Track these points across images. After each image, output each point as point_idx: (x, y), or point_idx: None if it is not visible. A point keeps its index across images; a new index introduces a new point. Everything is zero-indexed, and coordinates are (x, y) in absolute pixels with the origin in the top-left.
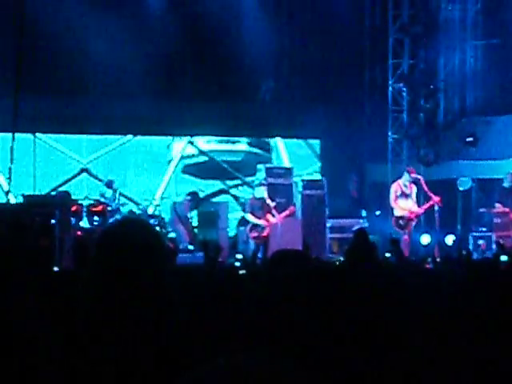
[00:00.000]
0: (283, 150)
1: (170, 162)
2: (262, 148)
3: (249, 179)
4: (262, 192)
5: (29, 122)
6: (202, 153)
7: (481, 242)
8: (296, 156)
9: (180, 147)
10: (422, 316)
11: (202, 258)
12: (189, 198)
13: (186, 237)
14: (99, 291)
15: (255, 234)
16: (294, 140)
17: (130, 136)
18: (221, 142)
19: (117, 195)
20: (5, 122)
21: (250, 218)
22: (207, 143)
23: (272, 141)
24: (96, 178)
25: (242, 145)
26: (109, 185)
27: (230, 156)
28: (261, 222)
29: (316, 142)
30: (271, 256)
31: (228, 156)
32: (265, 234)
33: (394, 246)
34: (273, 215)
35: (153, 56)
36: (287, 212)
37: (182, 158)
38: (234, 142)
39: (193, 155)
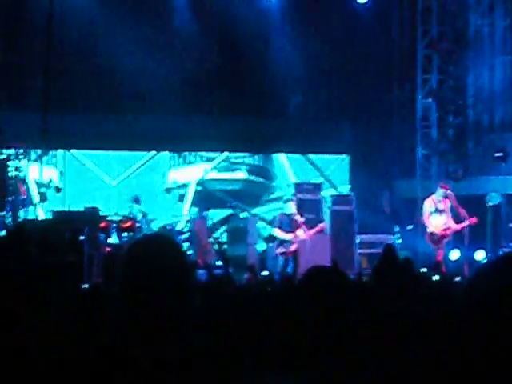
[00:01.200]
0: (288, 167)
1: (166, 190)
2: (262, 176)
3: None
4: (291, 208)
5: (59, 138)
6: (198, 184)
7: None
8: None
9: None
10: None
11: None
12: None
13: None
14: (125, 307)
15: (282, 250)
16: (324, 155)
17: (153, 152)
18: (219, 170)
19: (144, 211)
20: (35, 138)
21: (277, 233)
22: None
23: (276, 157)
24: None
25: (241, 173)
26: (136, 200)
27: (229, 185)
28: (288, 236)
29: (345, 158)
30: (306, 273)
31: (227, 185)
32: (292, 249)
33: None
34: (302, 231)
35: (180, 72)
36: (317, 228)
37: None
38: (233, 170)
39: (183, 185)
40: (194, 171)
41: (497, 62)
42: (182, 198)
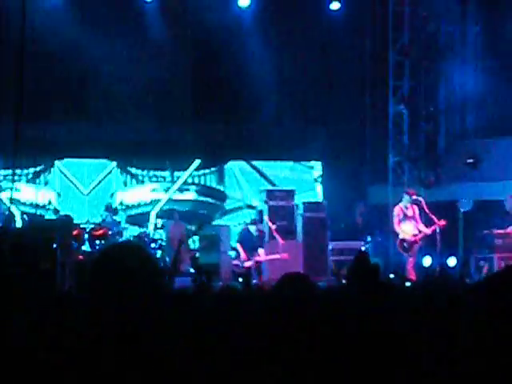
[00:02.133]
0: (240, 178)
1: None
2: (212, 196)
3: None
4: (254, 229)
5: (31, 148)
6: (146, 205)
7: (482, 263)
8: (297, 180)
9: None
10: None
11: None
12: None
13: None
14: (94, 312)
15: (237, 263)
16: (295, 163)
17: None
18: (167, 190)
19: (117, 219)
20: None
21: (237, 247)
22: (153, 192)
23: (228, 167)
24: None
25: (191, 193)
26: (108, 208)
27: (179, 206)
28: (242, 255)
29: (317, 164)
30: (279, 279)
31: (176, 205)
32: (247, 266)
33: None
34: (263, 251)
35: (154, 80)
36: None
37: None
38: (182, 191)
39: (138, 204)
40: (141, 192)
41: (468, 68)
42: (129, 219)
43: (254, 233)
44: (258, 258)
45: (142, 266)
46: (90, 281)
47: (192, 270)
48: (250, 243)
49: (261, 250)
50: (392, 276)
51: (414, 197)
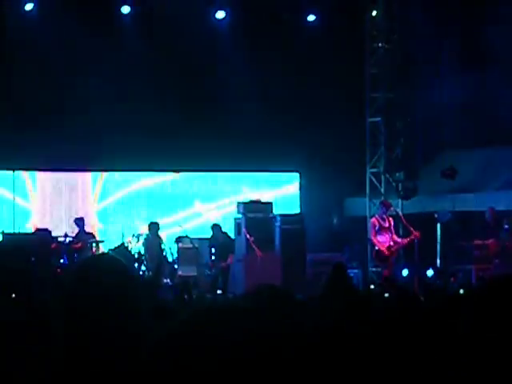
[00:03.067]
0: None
1: None
2: None
3: None
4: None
5: (8, 159)
6: None
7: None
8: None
9: None
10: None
11: None
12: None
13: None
14: (70, 323)
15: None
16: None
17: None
18: None
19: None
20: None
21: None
22: None
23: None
24: None
25: None
26: (77, 223)
27: None
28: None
29: (295, 176)
30: (249, 290)
31: None
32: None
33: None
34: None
35: (131, 93)
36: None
37: None
38: None
39: None
40: None
41: (445, 78)
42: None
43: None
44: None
45: (117, 279)
46: (67, 294)
47: (170, 283)
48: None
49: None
50: (372, 287)
51: (391, 208)
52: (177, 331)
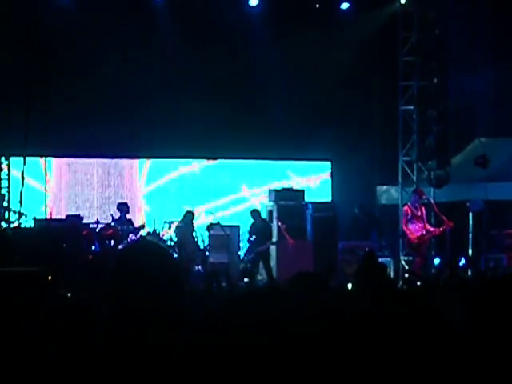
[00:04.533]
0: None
1: None
2: None
3: None
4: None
5: (39, 146)
6: None
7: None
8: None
9: None
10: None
11: None
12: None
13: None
14: (113, 316)
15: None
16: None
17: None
18: None
19: (127, 218)
20: (16, 145)
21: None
22: None
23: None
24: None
25: None
26: (119, 208)
27: None
28: None
29: (327, 165)
30: (291, 277)
31: None
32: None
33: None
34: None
35: (161, 80)
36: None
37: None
38: None
39: None
40: None
41: (478, 67)
42: None
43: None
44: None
45: (163, 265)
46: (111, 280)
47: (201, 270)
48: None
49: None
50: (406, 275)
51: (424, 197)
52: (216, 312)
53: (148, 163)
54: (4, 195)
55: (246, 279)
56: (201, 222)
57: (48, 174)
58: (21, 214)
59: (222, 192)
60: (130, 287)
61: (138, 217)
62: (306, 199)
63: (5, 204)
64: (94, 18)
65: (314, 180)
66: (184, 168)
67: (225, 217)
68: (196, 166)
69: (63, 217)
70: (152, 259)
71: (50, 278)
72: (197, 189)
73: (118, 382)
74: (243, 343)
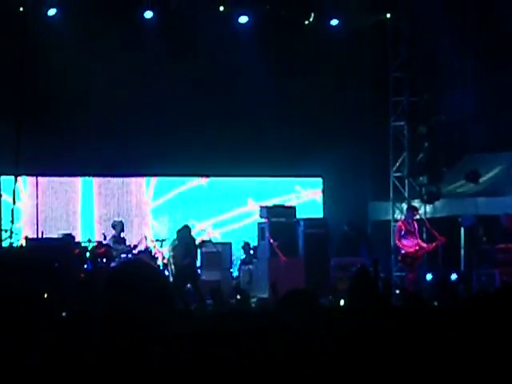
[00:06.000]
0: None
1: None
2: None
3: None
4: None
5: (31, 164)
6: None
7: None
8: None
9: None
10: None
11: None
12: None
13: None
14: (106, 332)
15: None
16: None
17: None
18: None
19: (121, 237)
20: (7, 164)
21: None
22: None
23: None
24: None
25: None
26: (114, 226)
27: None
28: None
29: (318, 181)
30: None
31: None
32: None
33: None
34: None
35: (152, 96)
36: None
37: None
38: None
39: None
40: None
41: (469, 81)
42: None
43: None
44: None
45: (155, 282)
46: (103, 297)
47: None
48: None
49: None
50: (397, 292)
51: (417, 213)
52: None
53: (154, 179)
54: None
55: (238, 296)
56: (207, 236)
57: (23, 191)
58: (12, 233)
59: (229, 206)
60: (122, 301)
61: (146, 231)
62: (310, 212)
63: None
64: (87, 35)
65: (319, 193)
66: (192, 182)
67: (230, 231)
68: (202, 180)
69: (55, 235)
70: (142, 275)
71: (46, 295)
72: (204, 202)
73: None
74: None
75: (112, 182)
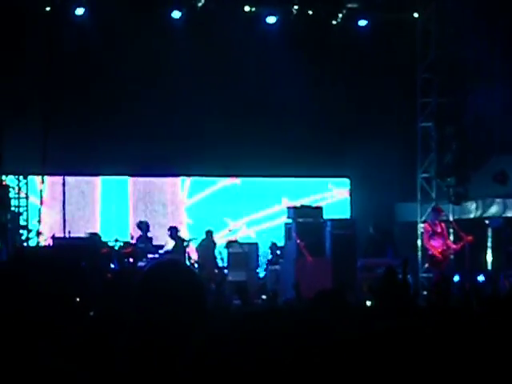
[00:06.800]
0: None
1: None
2: None
3: None
4: None
5: (58, 165)
6: None
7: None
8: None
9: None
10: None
11: None
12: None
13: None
14: (141, 333)
15: None
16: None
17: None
18: None
19: (147, 237)
20: (34, 164)
21: None
22: None
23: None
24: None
25: None
26: (139, 226)
27: None
28: None
29: (346, 181)
30: (315, 295)
31: None
32: None
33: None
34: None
35: (180, 98)
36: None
37: None
38: None
39: None
40: None
41: (496, 82)
42: None
43: None
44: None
45: (188, 282)
46: (137, 297)
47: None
48: None
49: None
50: (424, 293)
51: (442, 214)
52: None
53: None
54: (21, 213)
55: (263, 296)
56: (241, 234)
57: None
58: (39, 233)
59: (263, 205)
60: (156, 302)
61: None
62: (337, 212)
63: (23, 223)
64: (114, 35)
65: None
66: (225, 181)
67: (265, 229)
68: (236, 179)
69: (82, 235)
70: (177, 276)
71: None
72: (238, 201)
73: None
74: (244, 361)
75: (145, 181)
